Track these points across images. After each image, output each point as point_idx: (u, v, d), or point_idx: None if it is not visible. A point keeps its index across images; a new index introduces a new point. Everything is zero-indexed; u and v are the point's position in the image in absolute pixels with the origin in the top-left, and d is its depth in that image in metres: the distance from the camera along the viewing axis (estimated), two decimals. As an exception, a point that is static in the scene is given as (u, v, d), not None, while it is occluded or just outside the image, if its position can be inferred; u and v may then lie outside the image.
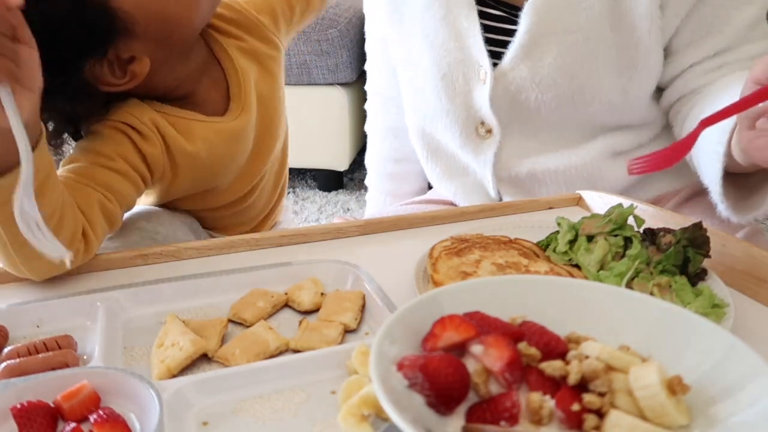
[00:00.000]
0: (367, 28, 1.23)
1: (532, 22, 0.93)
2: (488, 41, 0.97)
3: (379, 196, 1.32)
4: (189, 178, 0.82)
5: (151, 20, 0.71)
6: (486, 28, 0.97)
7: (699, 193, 1.05)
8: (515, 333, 0.45)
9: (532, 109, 0.98)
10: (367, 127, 1.32)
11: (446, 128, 1.06)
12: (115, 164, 0.74)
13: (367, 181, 1.35)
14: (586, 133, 1.01)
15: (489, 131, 1.02)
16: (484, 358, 0.42)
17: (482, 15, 0.98)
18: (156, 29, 0.72)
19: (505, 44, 0.96)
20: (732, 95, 0.81)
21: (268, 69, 0.89)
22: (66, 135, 0.79)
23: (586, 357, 0.43)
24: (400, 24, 1.06)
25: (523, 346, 0.43)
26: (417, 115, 1.12)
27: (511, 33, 0.96)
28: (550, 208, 0.90)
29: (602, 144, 1.00)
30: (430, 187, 1.26)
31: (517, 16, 0.95)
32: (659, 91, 0.99)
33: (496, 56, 0.97)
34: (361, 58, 2.21)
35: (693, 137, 0.64)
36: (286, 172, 1.02)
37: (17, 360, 0.53)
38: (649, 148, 1.03)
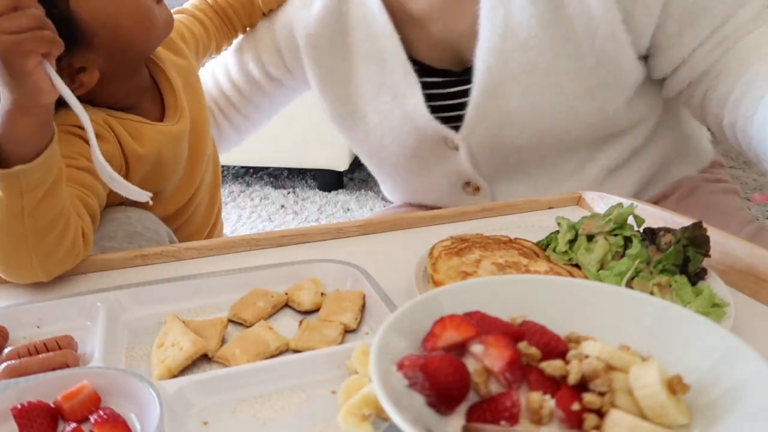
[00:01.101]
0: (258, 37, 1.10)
1: (488, 66, 0.91)
2: (443, 108, 0.96)
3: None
4: (138, 179, 0.83)
5: (109, 35, 0.75)
6: (433, 97, 0.96)
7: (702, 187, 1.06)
8: (515, 333, 0.45)
9: (514, 152, 0.97)
10: None
11: (431, 195, 1.06)
12: (79, 162, 0.75)
13: None
14: (575, 159, 1.00)
15: (477, 189, 1.02)
16: (485, 358, 0.42)
17: (427, 85, 0.97)
18: (112, 45, 0.76)
19: (461, 107, 0.95)
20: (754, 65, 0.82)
21: (190, 83, 0.93)
22: None
23: (586, 356, 0.43)
24: (354, 111, 1.03)
25: (523, 345, 0.43)
26: (393, 183, 1.11)
27: (463, 94, 0.95)
28: (550, 207, 0.90)
29: (596, 167, 0.99)
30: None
31: (463, 77, 0.94)
32: (656, 84, 0.97)
33: (455, 120, 0.96)
34: (361, 58, 2.20)
35: None
36: (220, 196, 1.05)
37: (17, 360, 0.53)
38: (645, 151, 1.02)
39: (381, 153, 1.05)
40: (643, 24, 0.88)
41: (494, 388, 0.41)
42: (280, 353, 0.58)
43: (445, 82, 0.98)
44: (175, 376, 0.54)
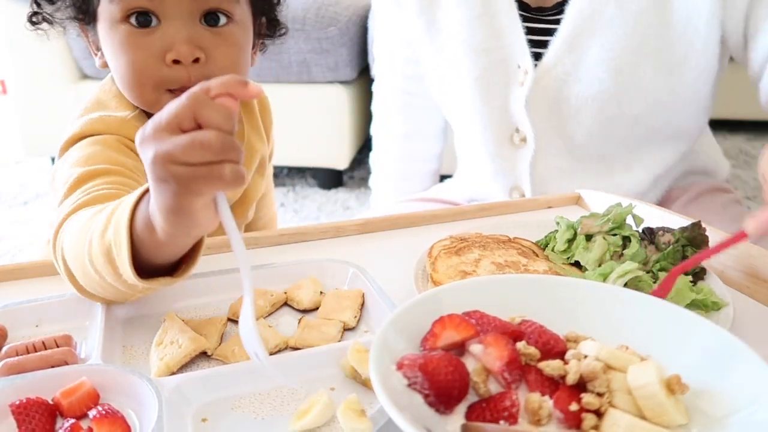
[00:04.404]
0: (380, 29, 1.17)
1: (577, 14, 0.90)
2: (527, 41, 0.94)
3: (386, 197, 1.28)
4: None
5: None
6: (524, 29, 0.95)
7: (714, 189, 1.06)
8: (514, 332, 0.45)
9: (572, 111, 0.95)
10: (376, 130, 1.27)
11: (479, 133, 1.03)
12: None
13: (371, 183, 1.31)
14: (627, 153, 0.98)
15: (523, 140, 0.99)
16: (484, 358, 0.42)
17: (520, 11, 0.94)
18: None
19: (542, 44, 0.93)
20: None
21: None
22: None
23: (585, 356, 0.43)
24: (431, 23, 1.01)
25: (522, 345, 0.43)
26: (450, 117, 1.10)
27: (549, 32, 0.93)
28: (549, 207, 0.90)
29: (644, 170, 0.99)
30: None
31: (554, 13, 0.93)
32: (712, 98, 0.95)
33: (534, 57, 0.94)
34: (362, 56, 2.20)
35: (669, 282, 0.57)
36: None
37: (16, 358, 0.53)
38: (681, 162, 1.01)
39: (448, 72, 1.02)
40: (735, 4, 0.87)
41: (493, 387, 0.41)
42: (279, 351, 0.58)
43: (533, 17, 0.96)
44: (174, 374, 0.54)
